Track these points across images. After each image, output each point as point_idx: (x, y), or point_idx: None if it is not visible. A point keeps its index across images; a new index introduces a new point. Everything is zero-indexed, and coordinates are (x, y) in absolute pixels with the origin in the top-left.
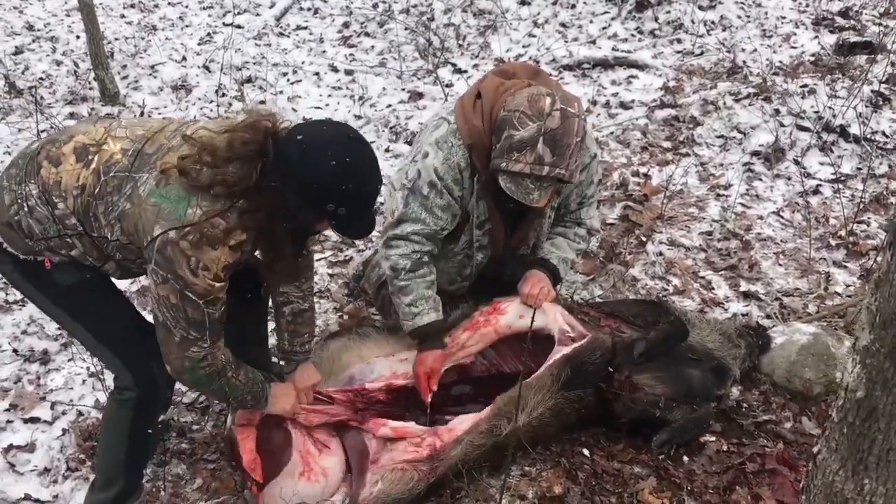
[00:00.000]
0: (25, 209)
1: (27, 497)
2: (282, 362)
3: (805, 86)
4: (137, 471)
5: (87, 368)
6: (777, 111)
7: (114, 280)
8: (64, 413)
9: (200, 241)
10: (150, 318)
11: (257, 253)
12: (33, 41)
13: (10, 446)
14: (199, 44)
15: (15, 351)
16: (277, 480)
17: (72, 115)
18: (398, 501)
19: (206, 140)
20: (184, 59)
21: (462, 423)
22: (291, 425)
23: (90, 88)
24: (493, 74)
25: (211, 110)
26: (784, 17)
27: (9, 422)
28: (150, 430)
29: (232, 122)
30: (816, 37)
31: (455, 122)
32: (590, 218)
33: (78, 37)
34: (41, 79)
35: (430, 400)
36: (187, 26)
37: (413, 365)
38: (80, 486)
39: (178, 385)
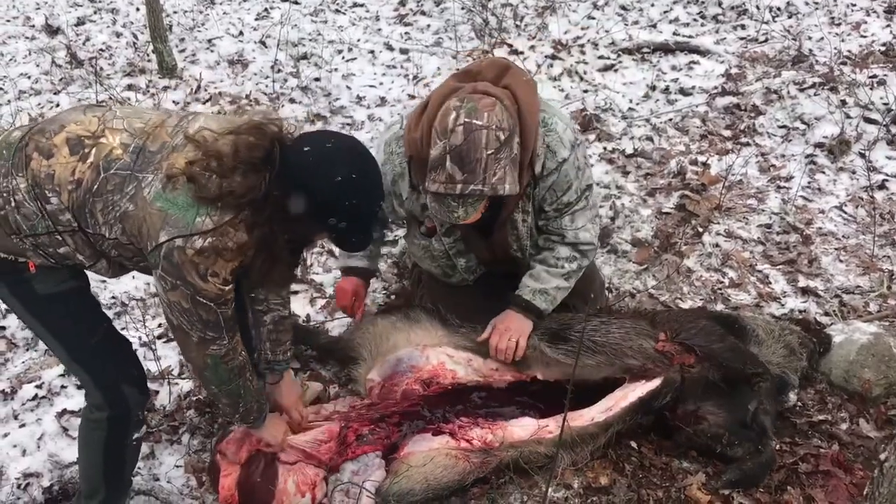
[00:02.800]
0: (12, 204)
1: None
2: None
3: (874, 76)
4: (118, 481)
5: (139, 339)
6: (843, 102)
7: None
8: None
9: (209, 249)
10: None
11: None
12: (95, 13)
13: (64, 411)
14: (256, 19)
15: None
16: None
17: (130, 87)
18: (447, 488)
19: (210, 144)
20: (241, 33)
21: (520, 430)
22: (295, 462)
23: (148, 61)
24: (452, 78)
25: (266, 86)
26: (854, 5)
27: (63, 387)
28: (124, 450)
29: (235, 121)
30: (888, 25)
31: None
32: (575, 229)
33: (138, 9)
34: (101, 50)
35: (358, 318)
36: (245, 1)
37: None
38: None
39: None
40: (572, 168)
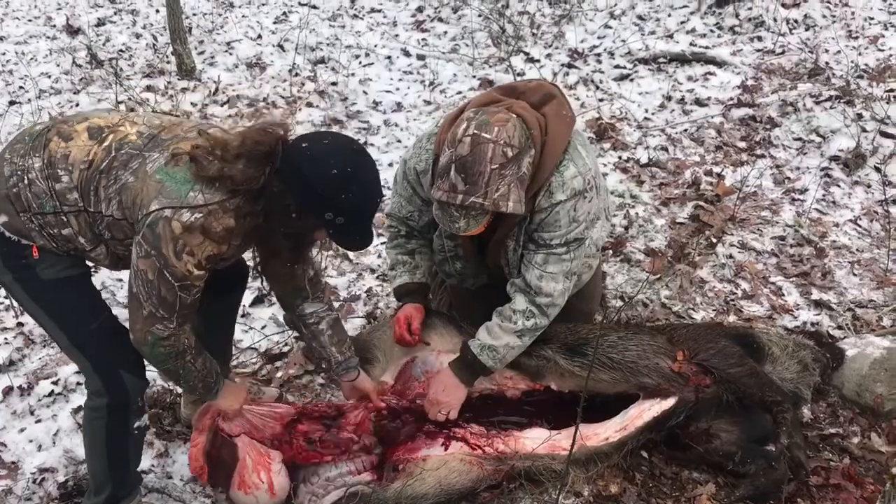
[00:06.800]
0: (25, 182)
1: None
2: (341, 374)
3: (891, 90)
4: (124, 475)
5: None
6: (860, 116)
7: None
8: None
9: (193, 225)
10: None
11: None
12: (115, 14)
13: (79, 408)
14: (274, 22)
15: None
16: (232, 491)
17: (149, 88)
18: (459, 493)
19: (219, 136)
20: (259, 36)
21: (531, 443)
22: (239, 434)
23: (167, 62)
24: (496, 89)
25: (284, 89)
26: (872, 18)
27: (78, 384)
28: (127, 439)
29: (246, 126)
30: None
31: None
32: (542, 272)
33: (157, 11)
34: (121, 51)
35: (415, 342)
36: (263, 4)
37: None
38: (144, 450)
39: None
40: (565, 214)
